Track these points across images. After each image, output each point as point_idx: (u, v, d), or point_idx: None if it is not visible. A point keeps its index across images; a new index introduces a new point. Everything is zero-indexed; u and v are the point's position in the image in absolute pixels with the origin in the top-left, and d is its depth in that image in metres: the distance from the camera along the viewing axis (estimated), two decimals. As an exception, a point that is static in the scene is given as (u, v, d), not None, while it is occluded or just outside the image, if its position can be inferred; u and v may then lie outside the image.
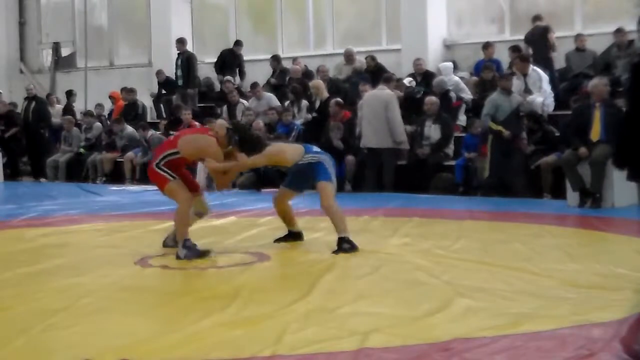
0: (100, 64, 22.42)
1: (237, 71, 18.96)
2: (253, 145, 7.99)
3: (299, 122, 15.61)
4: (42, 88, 22.53)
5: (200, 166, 15.65)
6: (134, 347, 4.82)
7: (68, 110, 20.22)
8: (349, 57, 17.02)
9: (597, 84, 11.62)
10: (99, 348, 4.83)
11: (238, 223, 10.36)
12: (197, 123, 16.70)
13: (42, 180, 18.45)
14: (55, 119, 19.74)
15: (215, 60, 19.42)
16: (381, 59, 16.78)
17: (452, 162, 13.67)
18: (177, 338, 5.01)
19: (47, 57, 23.98)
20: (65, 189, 16.00)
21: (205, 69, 20.15)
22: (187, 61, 18.56)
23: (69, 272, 7.37)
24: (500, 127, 12.50)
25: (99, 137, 18.51)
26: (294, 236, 8.75)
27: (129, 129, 17.84)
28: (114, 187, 16.18)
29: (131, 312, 5.84)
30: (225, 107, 17.37)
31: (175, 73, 18.85)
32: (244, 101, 17.16)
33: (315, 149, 8.55)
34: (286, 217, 8.74)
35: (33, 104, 19.65)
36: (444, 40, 17.02)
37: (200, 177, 15.66)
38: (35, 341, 5.06)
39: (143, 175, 16.77)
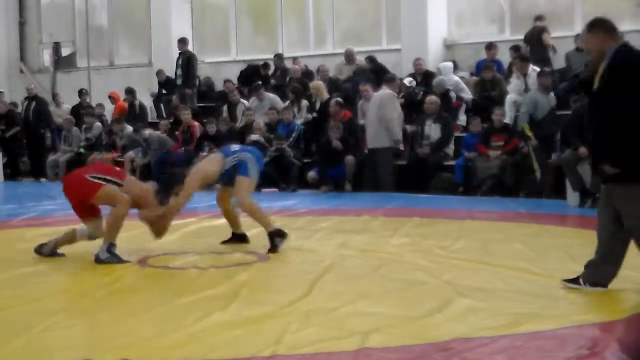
0: (101, 63, 22.42)
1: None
2: (171, 183, 7.99)
3: (299, 122, 15.61)
4: (42, 88, 22.53)
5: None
6: (133, 347, 4.82)
7: (80, 109, 20.15)
8: (349, 57, 17.01)
9: None
10: (98, 348, 4.83)
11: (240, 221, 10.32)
12: (196, 123, 16.71)
13: (42, 180, 18.44)
14: (59, 119, 19.74)
15: (215, 60, 19.43)
16: (381, 59, 16.79)
17: (452, 162, 13.67)
18: (177, 338, 5.01)
19: (47, 57, 23.97)
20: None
21: (206, 68, 20.16)
22: (187, 61, 18.56)
23: (69, 272, 7.37)
24: (531, 133, 12.54)
25: (99, 137, 18.50)
26: (238, 238, 8.72)
27: (129, 128, 17.83)
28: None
29: (131, 312, 5.84)
30: (225, 107, 17.36)
31: (175, 72, 18.85)
32: (244, 101, 17.15)
33: (234, 148, 8.50)
34: (229, 217, 8.74)
35: (33, 103, 19.65)
36: (444, 40, 17.03)
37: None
38: (35, 341, 5.05)
39: (143, 176, 16.76)
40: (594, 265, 6.09)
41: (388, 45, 17.98)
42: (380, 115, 13.69)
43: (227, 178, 8.38)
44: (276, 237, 8.14)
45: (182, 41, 18.87)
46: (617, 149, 5.85)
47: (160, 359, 4.64)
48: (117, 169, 8.13)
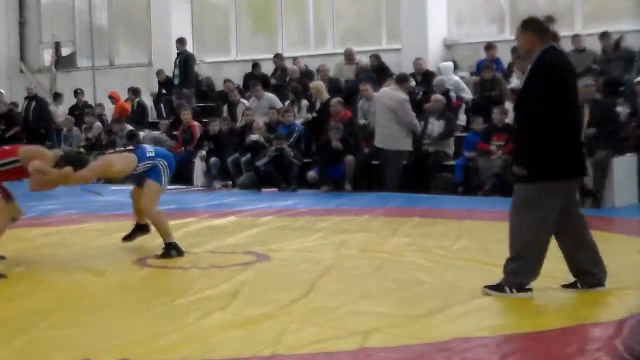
0: (101, 63, 22.39)
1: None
2: (76, 160, 7.77)
3: (299, 122, 15.60)
4: (42, 88, 22.52)
5: (197, 165, 15.67)
6: (133, 346, 4.82)
7: (77, 108, 20.13)
8: (349, 56, 16.99)
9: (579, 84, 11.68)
10: (98, 347, 4.83)
11: (238, 223, 10.34)
12: (196, 123, 16.71)
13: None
14: (60, 119, 19.73)
15: (215, 60, 19.40)
16: (381, 59, 16.77)
17: (452, 162, 13.65)
18: (177, 338, 5.01)
19: (47, 57, 23.95)
20: (66, 189, 15.81)
21: (206, 68, 20.15)
22: (185, 61, 18.53)
23: (69, 272, 7.35)
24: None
25: (99, 136, 18.48)
26: (140, 230, 8.63)
27: (129, 128, 17.82)
28: (114, 187, 16.13)
29: (130, 311, 5.84)
30: (225, 107, 17.35)
31: (173, 72, 18.83)
32: (245, 101, 17.14)
33: (149, 152, 8.24)
34: (138, 211, 8.56)
35: (33, 103, 19.62)
36: (444, 40, 17.00)
37: (198, 176, 15.68)
38: (35, 341, 5.06)
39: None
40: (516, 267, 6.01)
41: (388, 45, 17.95)
42: (401, 120, 13.62)
43: (137, 179, 8.31)
44: (172, 250, 8.01)
45: (180, 41, 18.85)
46: (524, 150, 5.89)
47: (160, 358, 4.64)
48: (7, 147, 7.87)
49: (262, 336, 5.01)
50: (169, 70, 19.10)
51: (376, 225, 10.02)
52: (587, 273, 6.03)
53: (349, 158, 13.83)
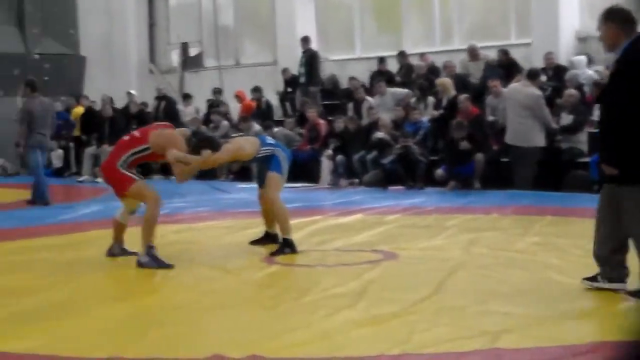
0: (227, 63, 22.72)
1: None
2: (210, 143, 7.80)
3: (425, 119, 15.44)
4: (171, 88, 23.01)
5: (324, 163, 15.69)
6: (262, 342, 4.83)
7: (215, 107, 20.47)
8: (472, 53, 16.72)
9: None
10: (228, 343, 4.86)
11: (364, 221, 10.29)
12: (322, 121, 16.75)
13: (172, 177, 18.75)
14: (187, 118, 20.10)
15: (339, 58, 19.39)
16: (510, 54, 16.42)
17: (587, 159, 13.22)
18: (305, 335, 5.00)
19: (175, 57, 24.47)
20: (195, 187, 16.23)
21: (331, 66, 20.18)
22: (310, 59, 18.62)
23: (199, 268, 7.45)
24: None
25: (227, 135, 18.73)
26: (269, 238, 8.51)
27: (257, 127, 17.99)
28: (242, 185, 16.34)
29: (258, 308, 5.87)
30: (351, 105, 17.33)
31: (298, 71, 18.94)
32: (370, 98, 17.07)
33: (269, 140, 8.45)
34: (267, 216, 8.55)
35: (163, 103, 20.06)
36: (577, 33, 16.50)
37: (324, 174, 15.70)
38: (168, 335, 5.15)
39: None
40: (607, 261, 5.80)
41: (517, 39, 17.56)
42: (536, 117, 13.33)
43: (259, 167, 8.41)
44: (287, 247, 7.99)
45: (305, 40, 18.95)
46: (616, 149, 5.56)
47: (288, 355, 4.63)
48: (137, 134, 7.92)
49: (390, 335, 4.95)
50: (295, 68, 19.22)
51: (506, 223, 9.81)
52: None
53: (479, 156, 13.59)
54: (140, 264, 7.44)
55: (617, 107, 5.56)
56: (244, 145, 8.20)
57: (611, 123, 5.63)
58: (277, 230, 8.36)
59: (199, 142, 7.73)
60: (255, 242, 8.57)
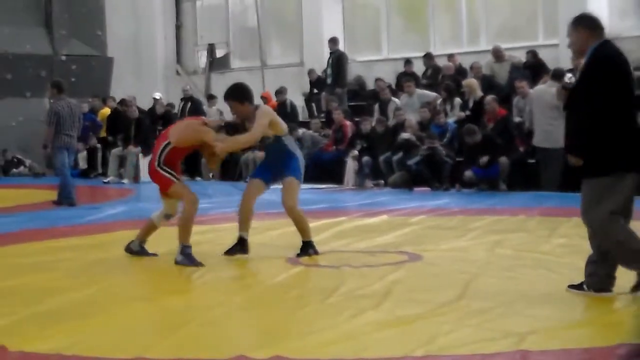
0: (253, 64, 22.77)
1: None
2: (236, 126, 7.86)
3: (451, 120, 15.38)
4: (197, 89, 23.08)
5: (349, 164, 15.66)
6: (287, 343, 4.82)
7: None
8: (497, 54, 16.64)
9: None
10: (253, 343, 4.87)
11: (390, 222, 10.27)
12: (348, 122, 16.72)
13: (197, 179, 18.85)
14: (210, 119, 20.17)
15: (366, 59, 19.38)
16: (538, 55, 16.33)
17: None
18: (330, 335, 4.98)
19: (202, 59, 24.56)
20: (220, 188, 16.30)
21: (357, 67, 20.15)
22: (337, 60, 18.61)
23: (223, 269, 7.46)
24: None
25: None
26: (241, 244, 8.05)
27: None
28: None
29: (283, 308, 5.86)
30: (377, 106, 17.30)
31: (325, 72, 18.93)
32: (396, 100, 17.04)
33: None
34: (249, 217, 8.16)
35: (189, 104, 20.12)
36: (606, 34, 16.37)
37: (350, 175, 15.67)
38: (194, 335, 5.16)
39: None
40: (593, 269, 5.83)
41: (545, 40, 17.47)
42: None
43: (278, 150, 7.97)
44: (310, 248, 7.94)
45: (333, 41, 18.94)
46: (581, 142, 5.74)
47: (312, 356, 4.61)
48: (163, 133, 8.07)
49: (414, 336, 4.92)
50: (320, 69, 19.21)
51: (532, 225, 9.74)
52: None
53: (503, 159, 13.51)
54: (176, 262, 7.59)
55: (585, 109, 5.69)
56: (275, 117, 7.99)
57: (579, 119, 5.77)
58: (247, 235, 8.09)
59: (231, 130, 7.81)
60: (229, 252, 8.06)
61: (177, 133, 7.80)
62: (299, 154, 8.09)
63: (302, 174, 8.02)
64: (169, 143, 7.73)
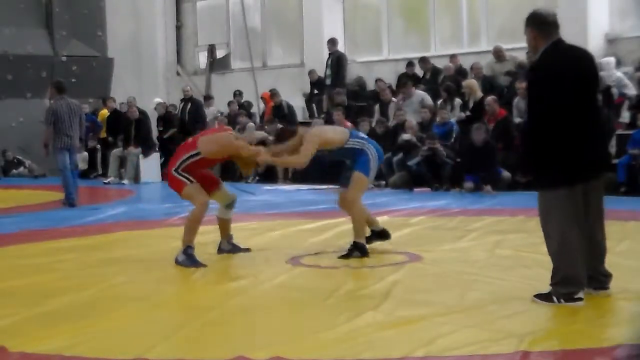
0: (254, 65, 22.77)
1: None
2: (288, 133, 7.92)
3: (452, 120, 15.38)
4: (198, 90, 23.08)
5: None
6: (286, 344, 4.82)
7: (243, 108, 20.49)
8: (498, 54, 16.64)
9: None
10: (252, 345, 4.85)
11: (390, 222, 10.22)
12: (349, 124, 16.71)
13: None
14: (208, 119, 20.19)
15: (366, 59, 19.36)
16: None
17: (615, 161, 13.10)
18: (329, 336, 4.98)
19: (202, 59, 24.56)
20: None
21: (358, 68, 20.15)
22: (337, 61, 18.61)
23: (222, 270, 7.46)
24: None
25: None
26: (378, 235, 8.30)
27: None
28: (267, 187, 16.37)
29: (283, 310, 5.86)
30: (377, 107, 17.30)
31: (325, 73, 18.92)
32: (395, 100, 17.03)
33: (362, 135, 8.19)
34: (366, 217, 8.27)
35: (189, 105, 20.12)
36: (606, 35, 16.36)
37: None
38: (192, 336, 5.16)
39: (296, 175, 16.91)
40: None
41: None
42: None
43: (341, 155, 8.06)
44: (357, 250, 7.86)
45: (332, 41, 18.94)
46: (526, 157, 5.69)
47: (313, 356, 4.62)
48: (190, 140, 8.08)
49: (414, 337, 4.92)
50: (321, 70, 19.20)
51: (532, 225, 9.68)
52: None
53: (505, 174, 13.52)
54: (177, 262, 7.60)
55: (531, 114, 5.62)
56: (327, 132, 8.04)
57: (528, 131, 5.69)
58: (380, 226, 8.24)
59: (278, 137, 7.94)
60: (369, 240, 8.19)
61: (209, 145, 7.77)
62: (369, 148, 7.90)
63: (371, 170, 7.91)
64: (198, 153, 7.71)
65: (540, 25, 5.67)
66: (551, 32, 5.65)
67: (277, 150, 7.90)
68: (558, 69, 5.51)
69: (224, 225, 8.24)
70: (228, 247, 8.24)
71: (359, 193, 7.97)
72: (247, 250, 8.24)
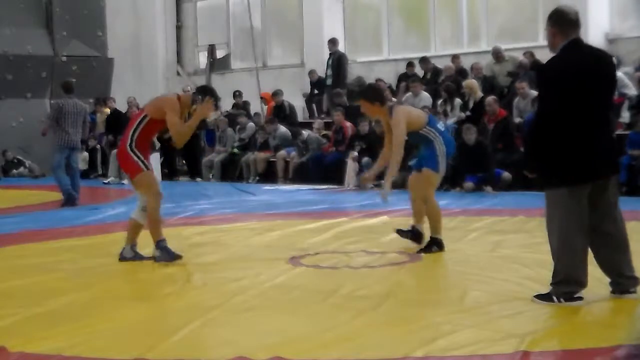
0: (254, 64, 22.77)
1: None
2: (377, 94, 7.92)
3: (450, 121, 15.37)
4: (198, 90, 23.05)
5: (349, 165, 15.66)
6: (286, 345, 4.81)
7: (242, 108, 20.50)
8: (497, 55, 16.64)
9: None
10: (252, 345, 4.85)
11: (390, 223, 10.24)
12: (348, 123, 16.72)
13: (198, 179, 18.86)
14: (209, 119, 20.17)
15: (367, 59, 19.36)
16: (538, 56, 16.29)
17: (616, 161, 13.09)
18: (329, 337, 4.98)
19: (202, 59, 24.56)
20: (220, 189, 16.31)
21: (358, 68, 20.16)
22: (337, 61, 18.61)
23: (223, 270, 7.45)
24: None
25: (253, 137, 18.75)
26: (414, 235, 8.29)
27: (282, 129, 18.00)
28: (267, 187, 16.37)
29: (283, 310, 5.85)
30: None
31: (325, 73, 18.91)
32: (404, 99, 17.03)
33: (439, 125, 8.17)
34: (415, 208, 8.28)
35: (190, 105, 20.07)
36: (606, 35, 16.36)
37: (350, 176, 15.67)
38: (191, 337, 5.14)
39: (296, 175, 16.91)
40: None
41: (545, 41, 17.41)
42: None
43: (413, 139, 8.10)
44: (435, 245, 7.94)
45: (332, 41, 18.94)
46: (531, 154, 5.69)
47: (313, 356, 4.62)
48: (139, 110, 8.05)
49: (414, 337, 4.91)
50: (321, 70, 19.20)
51: (532, 225, 9.72)
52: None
53: (506, 175, 13.52)
54: (155, 260, 7.62)
55: (540, 110, 5.64)
56: (414, 112, 8.13)
57: (536, 127, 5.67)
58: (424, 227, 8.25)
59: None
60: (400, 232, 8.33)
61: (152, 103, 7.81)
62: (438, 143, 7.92)
63: (440, 165, 7.94)
64: (145, 116, 7.67)
65: (561, 22, 5.64)
66: (570, 30, 5.62)
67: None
68: (572, 67, 5.49)
69: (135, 229, 7.92)
70: (131, 254, 7.90)
71: (431, 189, 8.06)
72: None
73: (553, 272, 5.68)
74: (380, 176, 15.18)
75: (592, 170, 5.54)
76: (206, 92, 7.84)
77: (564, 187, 5.50)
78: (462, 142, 13.82)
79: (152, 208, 7.65)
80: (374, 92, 8.06)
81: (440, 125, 8.21)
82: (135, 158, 7.64)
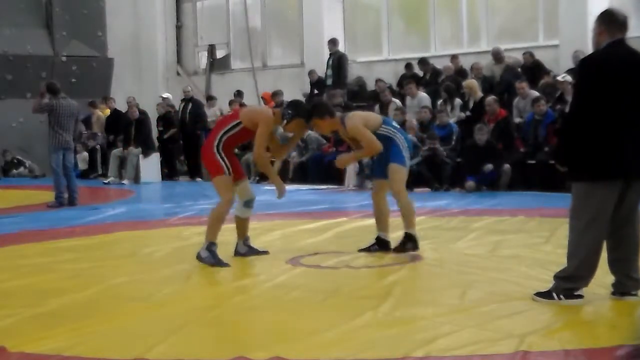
0: (254, 64, 22.76)
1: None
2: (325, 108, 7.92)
3: (451, 121, 15.38)
4: (198, 90, 23.07)
5: (349, 165, 15.65)
6: (286, 345, 4.81)
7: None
8: (497, 56, 16.65)
9: None
10: (252, 345, 4.86)
11: (390, 223, 10.21)
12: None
13: (198, 179, 18.85)
14: (211, 119, 20.17)
15: (367, 59, 19.36)
16: (538, 56, 16.33)
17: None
18: (329, 337, 4.97)
19: (202, 60, 24.56)
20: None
21: (358, 68, 20.15)
22: (337, 61, 18.60)
23: (223, 270, 7.44)
24: None
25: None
26: (380, 244, 8.13)
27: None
28: (267, 187, 16.33)
29: (283, 310, 5.85)
30: (377, 107, 17.29)
31: (325, 73, 18.91)
32: (397, 100, 17.03)
33: (394, 124, 8.22)
34: (381, 217, 8.21)
35: (190, 105, 20.12)
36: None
37: (350, 176, 15.67)
38: (191, 336, 5.14)
39: (296, 175, 16.91)
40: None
41: (545, 41, 17.46)
42: None
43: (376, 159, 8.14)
44: (410, 242, 7.94)
45: (333, 42, 18.94)
46: (562, 148, 5.73)
47: (313, 356, 4.61)
48: (229, 114, 8.03)
49: (414, 337, 4.91)
50: (321, 70, 19.20)
51: (532, 225, 9.74)
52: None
53: (506, 167, 13.51)
54: (198, 258, 7.57)
55: (574, 105, 5.65)
56: (368, 115, 8.15)
57: (569, 121, 5.74)
58: (389, 237, 8.16)
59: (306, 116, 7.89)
60: (364, 250, 8.13)
61: (249, 113, 7.79)
62: (399, 138, 7.95)
63: (405, 157, 7.95)
64: (238, 123, 7.66)
65: (609, 22, 5.70)
66: (617, 31, 5.66)
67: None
68: (611, 65, 5.52)
69: (241, 225, 8.10)
70: (245, 249, 8.08)
71: (401, 184, 8.02)
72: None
73: (563, 267, 5.68)
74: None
75: (623, 168, 5.52)
76: (298, 111, 7.88)
77: (594, 181, 5.50)
78: (473, 142, 13.84)
79: (220, 211, 7.67)
80: (321, 108, 8.01)
81: (395, 124, 8.26)
82: (220, 160, 7.63)
